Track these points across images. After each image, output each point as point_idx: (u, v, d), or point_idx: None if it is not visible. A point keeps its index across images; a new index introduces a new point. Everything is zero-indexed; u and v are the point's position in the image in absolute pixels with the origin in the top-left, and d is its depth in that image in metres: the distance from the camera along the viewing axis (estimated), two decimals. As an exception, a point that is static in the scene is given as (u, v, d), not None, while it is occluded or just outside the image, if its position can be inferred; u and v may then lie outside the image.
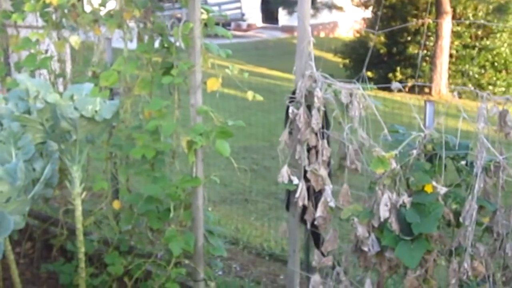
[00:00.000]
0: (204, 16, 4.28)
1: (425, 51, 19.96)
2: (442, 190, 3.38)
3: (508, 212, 3.34)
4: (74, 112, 3.79)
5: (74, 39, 4.74)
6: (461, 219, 3.32)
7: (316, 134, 3.84)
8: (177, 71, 4.30)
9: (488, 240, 3.44)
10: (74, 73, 5.21)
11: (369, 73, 19.96)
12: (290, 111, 3.92)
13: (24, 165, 3.60)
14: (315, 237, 4.12)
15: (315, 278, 3.94)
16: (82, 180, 4.15)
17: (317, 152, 3.86)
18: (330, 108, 3.93)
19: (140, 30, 4.55)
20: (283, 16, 22.35)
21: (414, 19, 19.75)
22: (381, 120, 3.60)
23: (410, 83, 19.08)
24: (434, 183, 3.38)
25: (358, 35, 22.91)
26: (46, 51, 5.13)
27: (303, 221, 4.04)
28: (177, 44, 4.26)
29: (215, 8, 4.77)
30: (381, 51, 20.18)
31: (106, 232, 5.03)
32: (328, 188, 3.76)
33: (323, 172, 3.82)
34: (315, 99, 3.80)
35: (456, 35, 19.43)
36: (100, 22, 4.75)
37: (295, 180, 3.90)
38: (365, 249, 3.53)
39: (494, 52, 19.95)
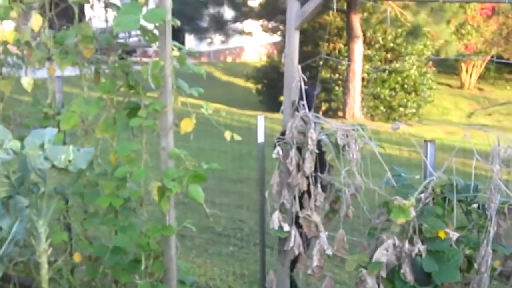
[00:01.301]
0: (176, 53, 4.03)
1: (337, 75, 20.18)
2: (454, 235, 3.25)
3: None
4: (44, 162, 3.44)
5: (27, 80, 4.35)
6: (475, 265, 3.20)
7: (307, 178, 3.65)
8: (145, 112, 4.02)
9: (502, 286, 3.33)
10: (20, 116, 4.80)
11: (283, 98, 19.97)
12: (275, 151, 3.72)
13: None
14: None
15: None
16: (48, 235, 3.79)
17: (309, 197, 3.67)
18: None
19: (101, 68, 4.23)
20: (190, 41, 22.13)
21: (326, 44, 19.97)
22: (382, 162, 3.45)
23: (324, 107, 19.37)
24: (447, 229, 3.24)
25: (269, 59, 22.91)
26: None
27: (292, 269, 3.82)
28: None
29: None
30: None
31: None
32: (323, 235, 3.57)
33: (316, 218, 3.63)
34: (309, 141, 3.61)
35: (367, 58, 19.71)
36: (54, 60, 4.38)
37: (286, 227, 3.69)
38: (375, 302, 3.36)
39: (404, 75, 20.36)
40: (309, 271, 3.58)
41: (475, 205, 3.36)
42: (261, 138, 4.89)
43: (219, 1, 19.29)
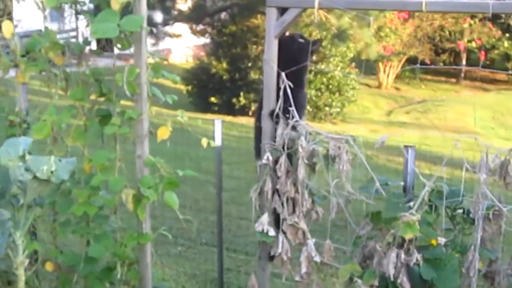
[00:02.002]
0: (151, 60, 3.88)
1: (266, 76, 20.11)
2: (442, 241, 3.22)
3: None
4: (25, 174, 3.24)
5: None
6: (463, 270, 3.18)
7: (295, 184, 3.56)
8: (119, 120, 3.86)
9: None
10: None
11: (213, 98, 19.87)
12: (265, 157, 3.62)
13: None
14: None
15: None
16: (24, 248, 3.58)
17: (294, 203, 3.58)
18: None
19: (73, 76, 4.04)
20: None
21: (254, 46, 19.95)
22: (370, 170, 3.40)
23: (253, 107, 19.30)
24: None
25: (198, 61, 22.67)
26: None
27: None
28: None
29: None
30: (224, 77, 20.07)
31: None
32: (311, 242, 3.49)
33: (303, 225, 3.55)
34: (300, 149, 3.52)
35: (294, 60, 19.71)
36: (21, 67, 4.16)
37: (271, 232, 3.59)
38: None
39: (329, 76, 20.52)
40: (297, 278, 3.49)
41: (460, 211, 3.33)
42: (218, 142, 4.80)
43: (150, 5, 18.96)
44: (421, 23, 26.23)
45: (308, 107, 20.29)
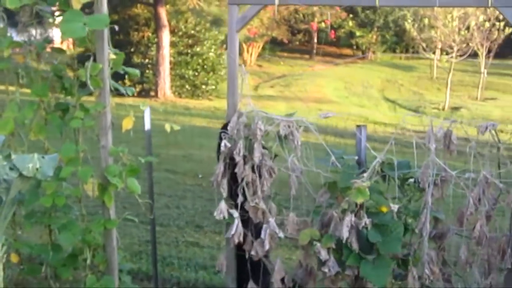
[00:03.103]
0: (113, 56, 3.63)
1: (148, 60, 19.73)
2: (395, 207, 3.25)
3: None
4: (10, 172, 2.94)
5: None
6: (416, 231, 3.23)
7: (252, 167, 3.45)
8: (83, 113, 3.61)
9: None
10: None
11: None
12: (223, 145, 3.49)
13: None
14: (253, 267, 3.69)
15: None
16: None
17: (253, 185, 3.47)
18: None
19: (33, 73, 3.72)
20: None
21: (136, 33, 19.48)
22: (325, 146, 3.36)
23: (138, 88, 18.85)
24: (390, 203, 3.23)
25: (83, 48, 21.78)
26: None
27: (241, 250, 3.61)
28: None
29: None
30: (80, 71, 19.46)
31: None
32: (272, 220, 3.41)
33: (263, 205, 3.46)
34: (257, 133, 3.42)
35: (172, 44, 19.46)
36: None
37: (235, 214, 3.47)
38: (326, 270, 3.28)
39: (204, 57, 20.42)
40: (260, 254, 3.40)
41: (411, 180, 3.36)
42: (147, 126, 4.70)
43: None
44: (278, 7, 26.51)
45: (187, 86, 20.14)
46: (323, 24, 28.43)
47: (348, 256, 3.20)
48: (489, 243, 3.24)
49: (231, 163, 3.51)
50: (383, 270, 3.16)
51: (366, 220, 3.21)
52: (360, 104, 20.73)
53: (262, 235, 3.42)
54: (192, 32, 20.08)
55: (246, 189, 3.48)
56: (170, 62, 19.39)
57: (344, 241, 3.20)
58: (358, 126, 3.47)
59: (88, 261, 3.71)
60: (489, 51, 22.58)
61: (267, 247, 3.39)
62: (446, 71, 21.80)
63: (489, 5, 3.20)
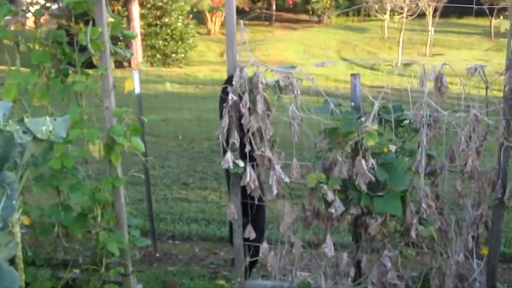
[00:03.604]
0: (111, 19, 3.46)
1: (119, 32, 19.27)
2: (393, 148, 3.21)
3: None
4: (24, 136, 2.80)
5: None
6: (413, 168, 3.20)
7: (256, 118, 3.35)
8: (85, 77, 3.46)
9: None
10: None
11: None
12: (230, 98, 3.37)
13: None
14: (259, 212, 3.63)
15: (264, 245, 3.54)
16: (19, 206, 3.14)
17: (259, 134, 3.38)
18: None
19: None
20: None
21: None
22: (323, 93, 3.28)
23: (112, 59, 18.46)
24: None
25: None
26: None
27: (248, 198, 3.53)
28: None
29: None
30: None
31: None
32: (278, 167, 3.34)
33: (269, 153, 3.37)
34: (259, 85, 3.32)
35: (142, 16, 19.07)
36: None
37: (241, 163, 3.38)
38: (332, 210, 3.23)
39: (172, 27, 20.07)
40: (269, 198, 3.34)
41: (406, 121, 3.31)
42: (137, 90, 4.60)
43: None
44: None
45: (158, 56, 19.80)
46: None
47: (359, 197, 3.15)
48: (480, 177, 3.23)
49: (236, 116, 3.41)
50: (396, 202, 3.14)
51: (372, 161, 3.16)
52: (320, 65, 20.65)
53: (270, 181, 3.35)
54: (160, 4, 19.72)
55: (252, 138, 3.39)
56: (141, 34, 19.00)
57: (356, 183, 3.15)
58: (352, 75, 3.40)
59: (99, 219, 3.60)
60: (435, 11, 22.70)
61: (275, 192, 3.33)
62: (397, 30, 21.83)
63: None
